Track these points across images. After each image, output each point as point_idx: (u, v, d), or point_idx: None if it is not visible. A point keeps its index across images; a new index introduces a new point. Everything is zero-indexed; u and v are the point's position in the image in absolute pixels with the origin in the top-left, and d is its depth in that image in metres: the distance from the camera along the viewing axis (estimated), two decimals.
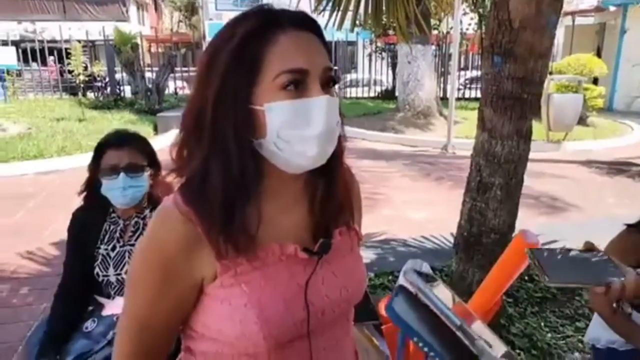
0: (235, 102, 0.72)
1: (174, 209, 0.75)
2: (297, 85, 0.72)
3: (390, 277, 3.18)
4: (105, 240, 1.63)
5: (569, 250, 0.78)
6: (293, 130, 0.72)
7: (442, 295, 1.08)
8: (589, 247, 0.78)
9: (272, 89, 0.72)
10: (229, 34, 0.73)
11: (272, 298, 0.75)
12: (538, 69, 2.37)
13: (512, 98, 2.39)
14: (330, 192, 0.84)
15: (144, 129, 8.91)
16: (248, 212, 0.75)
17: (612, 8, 12.89)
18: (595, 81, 10.14)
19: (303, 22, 0.76)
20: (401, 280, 1.08)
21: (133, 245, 1.58)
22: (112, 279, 1.59)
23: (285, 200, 0.82)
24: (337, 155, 0.82)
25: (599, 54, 12.06)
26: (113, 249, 1.61)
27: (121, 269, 1.59)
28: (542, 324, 2.73)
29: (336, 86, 0.83)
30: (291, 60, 0.72)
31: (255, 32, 0.72)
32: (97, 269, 1.60)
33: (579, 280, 0.72)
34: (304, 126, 0.72)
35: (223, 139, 0.73)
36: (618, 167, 6.97)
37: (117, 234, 1.63)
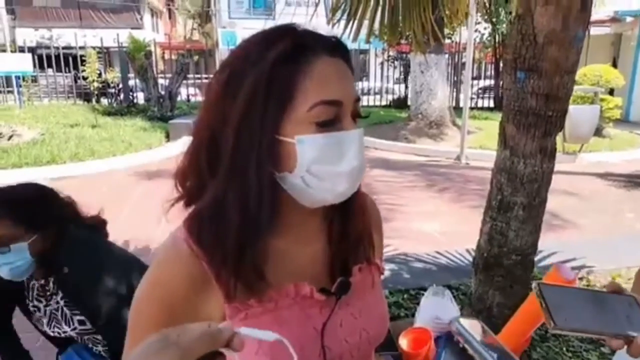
0: (262, 132, 0.65)
1: (182, 244, 0.68)
2: (332, 117, 0.66)
3: (405, 295, 3.09)
4: (30, 297, 1.48)
5: (588, 290, 0.67)
6: (325, 166, 0.66)
7: (472, 327, 1.02)
8: (614, 289, 0.66)
9: (305, 119, 0.65)
10: (256, 56, 0.66)
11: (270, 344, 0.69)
12: (564, 85, 2.28)
13: (536, 115, 2.30)
14: (349, 225, 0.77)
15: (156, 136, 8.95)
16: (261, 250, 0.69)
17: (628, 19, 12.72)
18: (611, 92, 9.99)
19: (336, 49, 0.70)
20: (424, 321, 1.02)
21: (50, 305, 1.44)
22: (50, 334, 1.49)
23: (301, 235, 0.76)
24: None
25: (614, 65, 11.88)
26: (38, 309, 1.48)
27: (54, 327, 1.46)
28: (565, 348, 2.63)
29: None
30: (327, 90, 0.66)
31: (287, 56, 0.66)
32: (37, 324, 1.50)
33: (592, 329, 0.60)
34: (337, 161, 0.67)
35: (244, 171, 0.66)
36: (636, 180, 6.82)
37: (36, 293, 1.46)
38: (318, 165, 0.66)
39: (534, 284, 0.63)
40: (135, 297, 0.70)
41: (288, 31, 0.68)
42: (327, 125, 0.66)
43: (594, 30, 12.97)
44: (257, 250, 0.68)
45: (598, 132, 8.81)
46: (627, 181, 6.79)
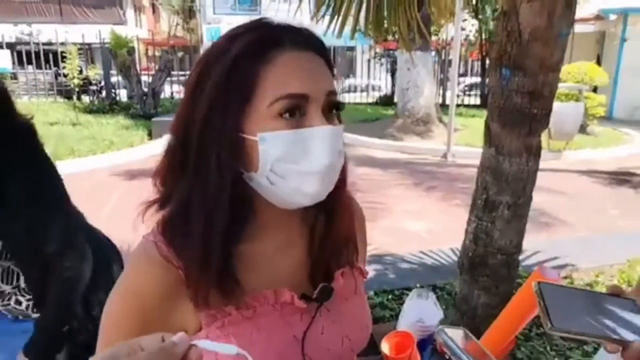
0: (223, 129, 0.62)
1: (153, 249, 0.65)
2: (294, 112, 0.62)
3: (390, 296, 3.05)
4: None
5: (589, 292, 0.64)
6: (289, 165, 0.63)
7: (457, 337, 0.97)
8: (616, 292, 0.63)
9: (267, 116, 0.62)
10: (222, 50, 0.64)
11: (264, 353, 0.65)
12: (548, 83, 2.26)
13: (520, 113, 2.27)
14: (331, 228, 0.73)
15: (138, 134, 8.81)
16: (236, 255, 0.66)
17: (612, 17, 12.87)
18: (595, 90, 10.08)
19: (306, 41, 0.66)
20: (407, 324, 0.98)
21: None
22: None
23: (280, 238, 0.72)
24: (339, 186, 0.71)
25: (598, 63, 12.01)
26: None
27: None
28: (548, 347, 2.62)
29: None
30: (289, 84, 0.62)
31: (250, 50, 0.62)
32: None
33: (589, 332, 0.57)
34: (302, 160, 0.63)
35: (208, 172, 0.63)
36: (620, 177, 6.88)
37: None
38: (282, 164, 0.63)
39: (533, 284, 0.60)
40: (106, 304, 0.68)
41: (255, 25, 0.66)
42: (291, 119, 0.62)
43: (578, 28, 13.08)
44: (232, 255, 0.66)
45: (582, 129, 8.88)
46: (611, 178, 6.85)
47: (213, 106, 0.63)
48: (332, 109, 0.67)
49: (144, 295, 0.64)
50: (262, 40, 0.63)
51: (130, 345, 0.44)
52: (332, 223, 0.74)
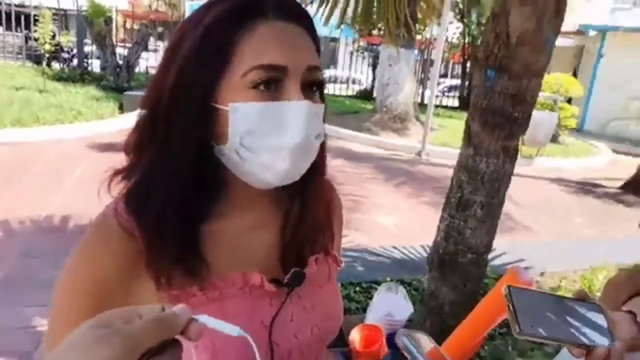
0: (193, 96, 0.59)
1: (112, 219, 0.61)
2: (270, 84, 0.59)
3: (357, 289, 3.04)
4: None
5: (556, 297, 0.64)
6: (260, 138, 0.59)
7: (423, 344, 0.96)
8: (582, 296, 0.63)
9: (241, 86, 0.59)
10: (201, 15, 0.60)
11: (228, 338, 0.59)
12: (531, 88, 2.28)
13: (502, 115, 2.28)
14: (307, 212, 0.71)
15: (108, 106, 8.52)
16: (203, 232, 0.63)
17: (591, 32, 13.21)
18: (569, 101, 10.34)
19: (291, 12, 0.62)
20: (376, 318, 0.95)
21: None
22: None
23: (251, 218, 0.69)
24: (318, 170, 0.69)
25: (575, 75, 12.32)
26: None
27: None
28: (510, 347, 2.66)
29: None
30: (267, 54, 0.58)
31: (229, 16, 0.59)
32: None
33: (556, 337, 0.57)
34: (274, 134, 0.59)
35: (174, 140, 0.60)
36: (587, 187, 7.09)
37: None
38: (252, 137, 0.60)
39: (503, 287, 0.60)
40: (60, 276, 0.64)
41: None
42: (266, 91, 0.59)
43: (558, 41, 13.28)
44: (198, 232, 0.63)
45: (554, 138, 9.12)
46: (578, 188, 7.05)
47: (184, 71, 0.60)
48: (313, 86, 0.64)
49: (97, 268, 0.61)
50: (241, 7, 0.60)
51: (127, 312, 0.42)
52: (307, 207, 0.71)
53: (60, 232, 3.74)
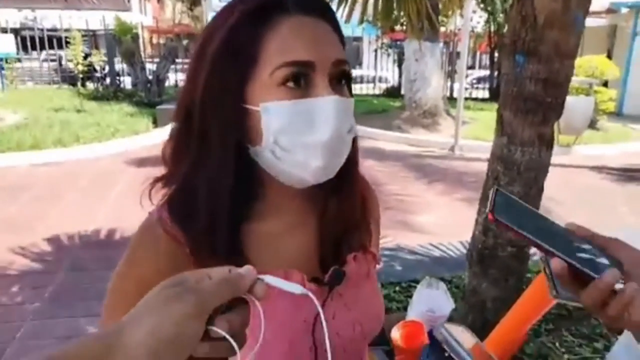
0: (224, 100, 0.59)
1: (157, 226, 0.62)
2: (299, 81, 0.58)
3: (397, 288, 3.01)
4: None
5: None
6: (293, 136, 0.59)
7: (463, 338, 0.93)
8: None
9: (270, 85, 0.59)
10: (224, 17, 0.61)
11: (273, 338, 0.62)
12: (564, 70, 2.20)
13: (534, 101, 2.21)
14: (344, 210, 0.70)
15: (142, 122, 8.78)
16: (244, 232, 0.63)
17: (623, 10, 12.67)
18: (605, 84, 9.94)
19: (313, 6, 0.62)
20: (417, 314, 0.94)
21: None
22: None
23: (289, 218, 0.69)
24: (351, 166, 0.68)
25: (609, 57, 11.84)
26: None
27: None
28: (558, 343, 2.56)
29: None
30: (293, 50, 0.58)
31: (253, 15, 0.59)
32: None
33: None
34: (307, 132, 0.59)
35: (211, 145, 0.60)
36: (629, 174, 6.79)
37: None
38: (286, 136, 0.59)
39: (542, 256, 0.59)
40: (111, 280, 0.67)
41: None
42: (296, 89, 0.59)
43: (589, 22, 12.85)
44: (239, 233, 0.64)
45: (592, 124, 8.76)
46: (620, 175, 6.76)
47: (213, 74, 0.60)
48: (341, 80, 0.63)
49: (145, 274, 0.62)
50: (265, 5, 0.60)
51: (198, 273, 0.44)
52: (343, 204, 0.71)
53: (107, 245, 3.87)
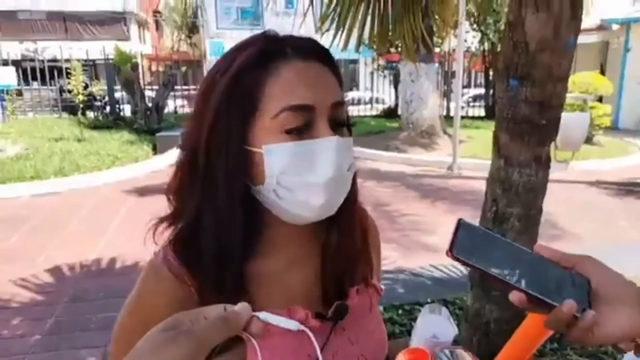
0: (229, 143, 0.62)
1: (162, 267, 0.64)
2: (300, 127, 0.61)
3: (399, 311, 3.00)
4: None
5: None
6: (295, 177, 0.61)
7: (454, 354, 0.94)
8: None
9: (272, 128, 0.61)
10: (227, 63, 0.63)
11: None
12: (557, 93, 2.24)
13: (529, 123, 2.25)
14: (345, 244, 0.71)
15: (142, 149, 8.83)
16: (248, 271, 0.65)
17: (614, 26, 12.88)
18: (599, 100, 10.04)
19: (310, 51, 0.65)
20: (420, 340, 0.95)
21: None
22: None
23: (291, 255, 0.70)
24: (351, 200, 0.70)
25: (602, 72, 11.98)
26: None
27: None
28: None
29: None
30: (293, 95, 0.61)
31: (254, 61, 0.62)
32: None
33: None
34: (309, 172, 0.61)
35: (215, 186, 0.62)
36: (627, 188, 6.81)
37: None
38: (288, 176, 0.62)
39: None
40: (117, 321, 0.68)
41: (259, 37, 0.66)
42: (297, 132, 0.61)
43: (581, 39, 12.98)
44: (242, 271, 0.65)
45: (588, 140, 8.82)
46: (618, 189, 6.77)
47: (218, 118, 0.62)
48: (341, 121, 0.66)
49: (153, 310, 0.63)
50: (265, 52, 0.63)
51: (193, 314, 0.44)
52: (344, 238, 0.72)
53: (108, 274, 3.86)
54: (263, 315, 0.46)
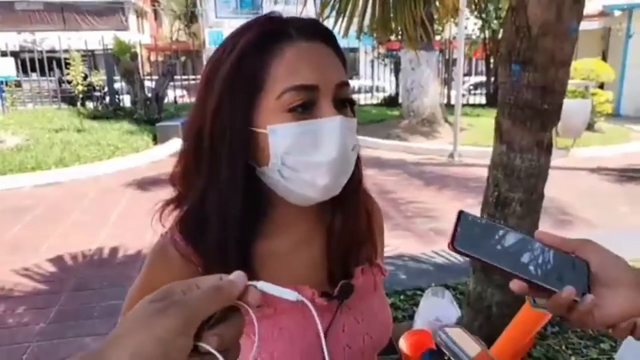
0: (233, 124, 0.62)
1: (170, 247, 0.65)
2: (305, 106, 0.61)
3: (401, 297, 3.02)
4: None
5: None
6: (300, 157, 0.62)
7: (459, 338, 0.95)
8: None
9: (276, 108, 0.61)
10: (230, 46, 0.64)
11: (286, 351, 0.66)
12: (559, 78, 2.23)
13: (531, 108, 2.25)
14: (350, 225, 0.72)
15: (143, 139, 8.81)
16: (254, 252, 0.66)
17: (617, 13, 12.78)
18: (601, 86, 10.00)
19: (314, 32, 0.65)
20: (424, 323, 0.96)
21: None
22: None
23: (297, 235, 0.71)
24: (356, 182, 0.71)
25: (604, 59, 11.92)
26: None
27: None
28: (564, 346, 2.57)
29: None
30: (297, 75, 0.62)
31: (257, 43, 0.62)
32: None
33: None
34: (313, 151, 0.62)
35: (220, 167, 0.63)
36: (628, 174, 6.81)
37: None
38: (292, 156, 0.62)
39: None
40: (125, 301, 0.69)
41: (262, 19, 0.66)
42: (302, 110, 0.62)
43: (582, 25, 12.90)
44: (250, 252, 0.66)
45: (590, 126, 8.81)
46: (619, 175, 6.78)
47: (222, 101, 0.63)
48: (345, 102, 0.66)
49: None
50: (269, 33, 0.63)
51: (186, 283, 0.42)
52: (348, 219, 0.72)
53: (110, 263, 3.88)
54: (260, 284, 0.44)
